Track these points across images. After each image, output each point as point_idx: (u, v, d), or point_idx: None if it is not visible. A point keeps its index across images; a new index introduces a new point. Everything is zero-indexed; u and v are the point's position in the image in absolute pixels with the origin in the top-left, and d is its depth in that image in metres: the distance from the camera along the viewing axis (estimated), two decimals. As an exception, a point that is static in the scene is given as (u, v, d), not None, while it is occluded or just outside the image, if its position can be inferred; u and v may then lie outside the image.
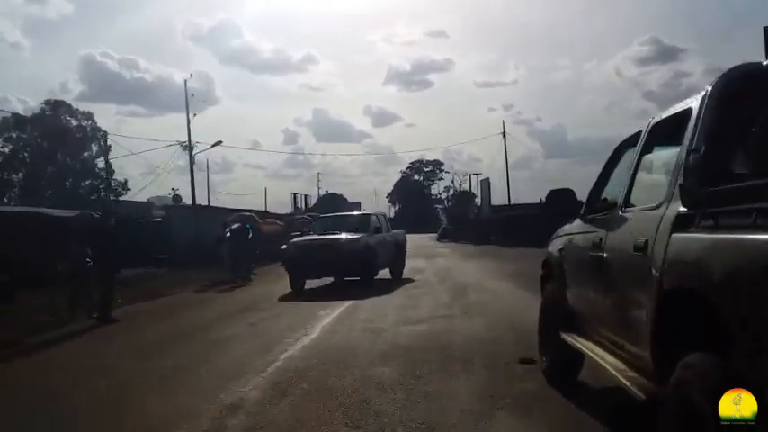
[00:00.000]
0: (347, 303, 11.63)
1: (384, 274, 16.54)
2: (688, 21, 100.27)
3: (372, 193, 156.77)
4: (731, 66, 2.91)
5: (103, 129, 55.94)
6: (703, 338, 2.36)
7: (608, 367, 3.45)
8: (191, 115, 30.53)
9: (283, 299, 13.55)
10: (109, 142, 56.47)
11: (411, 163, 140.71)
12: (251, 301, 13.15)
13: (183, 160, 30.91)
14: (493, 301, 11.56)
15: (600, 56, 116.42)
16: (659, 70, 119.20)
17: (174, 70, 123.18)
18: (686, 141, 2.85)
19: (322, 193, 79.96)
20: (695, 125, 2.79)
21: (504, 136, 45.81)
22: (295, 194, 52.22)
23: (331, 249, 14.76)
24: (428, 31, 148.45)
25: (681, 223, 2.67)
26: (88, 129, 55.53)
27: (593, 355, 3.91)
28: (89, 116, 56.55)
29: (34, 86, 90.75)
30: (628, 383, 3.04)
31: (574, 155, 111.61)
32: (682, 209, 2.71)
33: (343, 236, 15.18)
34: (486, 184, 48.61)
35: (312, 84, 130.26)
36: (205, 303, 13.75)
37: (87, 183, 54.60)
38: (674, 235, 2.68)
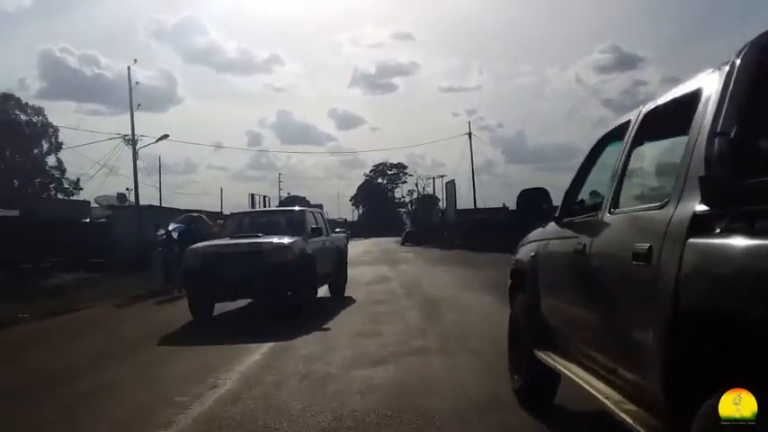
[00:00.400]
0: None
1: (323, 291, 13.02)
2: (647, 29, 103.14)
3: (336, 196, 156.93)
4: (685, 75, 2.53)
5: (56, 125, 54.04)
6: (738, 373, 1.89)
7: (599, 396, 2.91)
8: (135, 106, 28.64)
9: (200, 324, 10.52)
10: (61, 139, 54.83)
11: (375, 166, 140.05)
12: (166, 324, 10.26)
13: (143, 159, 29.46)
14: (477, 323, 9.02)
15: (561, 62, 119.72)
16: (618, 78, 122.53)
17: (137, 68, 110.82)
18: (704, 124, 2.31)
19: (283, 195, 78.66)
20: (718, 102, 2.24)
21: (470, 137, 45.76)
22: (253, 195, 50.53)
23: (248, 261, 10.33)
24: (394, 33, 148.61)
25: (699, 226, 2.15)
26: (38, 124, 53.28)
27: (576, 379, 3.38)
28: (39, 111, 54.14)
29: None
30: (629, 419, 2.49)
31: (534, 161, 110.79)
32: (700, 208, 2.19)
33: (268, 240, 10.78)
34: (451, 186, 47.81)
35: (276, 84, 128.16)
36: (117, 323, 11.81)
37: (37, 181, 52.34)
38: (690, 240, 2.16)
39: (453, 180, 47.73)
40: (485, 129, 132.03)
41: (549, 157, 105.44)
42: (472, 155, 44.38)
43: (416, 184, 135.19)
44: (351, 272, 15.05)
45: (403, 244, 53.08)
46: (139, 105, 27.74)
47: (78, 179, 53.29)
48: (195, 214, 21.18)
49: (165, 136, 27.61)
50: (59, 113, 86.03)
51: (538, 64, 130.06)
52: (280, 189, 75.38)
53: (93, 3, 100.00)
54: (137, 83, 28.13)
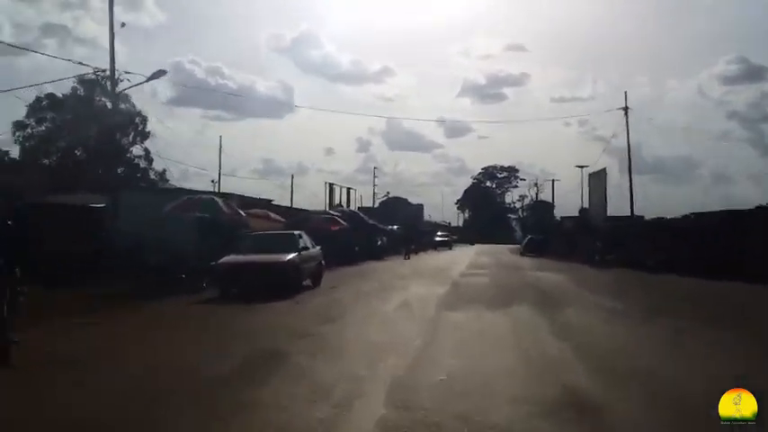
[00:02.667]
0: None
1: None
2: None
3: (440, 202, 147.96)
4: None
5: (144, 113, 50.06)
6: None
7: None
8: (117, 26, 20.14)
9: None
10: (149, 128, 50.85)
11: (483, 168, 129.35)
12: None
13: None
14: None
15: (682, 73, 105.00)
16: (747, 90, 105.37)
17: (257, 78, 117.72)
18: None
19: (378, 193, 71.17)
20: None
21: (627, 112, 34.44)
22: (331, 185, 42.43)
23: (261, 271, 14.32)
24: (507, 44, 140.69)
25: None
26: (125, 111, 49.71)
27: None
28: (126, 98, 50.55)
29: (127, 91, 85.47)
30: None
31: (650, 172, 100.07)
32: None
33: (273, 258, 14.65)
34: (600, 178, 34.94)
35: (387, 95, 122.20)
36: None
37: (121, 170, 48.69)
38: None
39: (605, 169, 35.07)
40: (599, 139, 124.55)
41: (666, 168, 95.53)
42: (629, 136, 33.27)
43: (534, 185, 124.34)
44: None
45: (523, 254, 42.90)
46: (123, 24, 19.63)
47: (165, 170, 49.00)
48: (206, 197, 14.49)
49: (161, 72, 19.27)
50: (186, 119, 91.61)
51: (657, 75, 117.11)
52: (374, 186, 67.84)
53: (218, 20, 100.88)
54: (122, 24, 19.98)
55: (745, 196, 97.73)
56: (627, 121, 33.90)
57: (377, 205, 72.88)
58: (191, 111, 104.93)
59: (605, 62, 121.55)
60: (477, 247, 72.84)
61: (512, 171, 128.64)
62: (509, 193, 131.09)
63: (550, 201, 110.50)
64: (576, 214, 45.41)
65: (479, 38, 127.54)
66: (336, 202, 43.48)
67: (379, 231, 36.82)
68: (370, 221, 37.85)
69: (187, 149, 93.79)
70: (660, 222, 28.13)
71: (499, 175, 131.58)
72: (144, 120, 50.60)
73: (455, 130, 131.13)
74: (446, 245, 60.01)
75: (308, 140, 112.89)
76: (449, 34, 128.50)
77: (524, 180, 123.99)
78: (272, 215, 23.17)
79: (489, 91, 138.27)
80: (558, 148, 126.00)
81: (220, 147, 37.20)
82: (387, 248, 45.03)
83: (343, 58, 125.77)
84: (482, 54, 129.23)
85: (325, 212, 29.44)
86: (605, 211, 33.40)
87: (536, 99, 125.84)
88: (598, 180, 34.81)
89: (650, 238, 26.18)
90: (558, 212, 67.90)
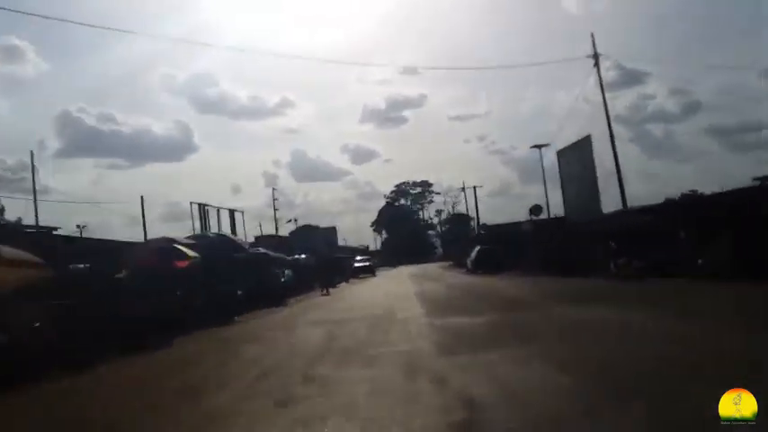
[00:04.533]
0: None
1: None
2: (647, 44, 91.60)
3: (356, 226, 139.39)
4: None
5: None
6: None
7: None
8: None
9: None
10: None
11: (396, 186, 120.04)
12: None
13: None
14: None
15: (566, 83, 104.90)
16: (625, 94, 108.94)
17: (152, 121, 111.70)
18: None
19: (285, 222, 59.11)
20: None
21: (597, 59, 24.90)
22: (203, 206, 28.56)
23: None
24: (400, 68, 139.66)
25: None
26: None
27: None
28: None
29: (11, 145, 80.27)
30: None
31: (551, 179, 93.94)
32: None
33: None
34: (581, 151, 24.59)
35: (289, 126, 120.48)
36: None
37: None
38: None
39: (589, 137, 23.65)
40: (497, 152, 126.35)
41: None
42: (603, 88, 23.73)
43: (445, 202, 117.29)
44: None
45: (473, 271, 32.33)
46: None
47: (2, 207, 35.28)
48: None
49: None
50: (78, 170, 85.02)
51: (542, 86, 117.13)
52: (275, 210, 55.35)
53: (105, 64, 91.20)
54: None
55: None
56: (599, 72, 24.55)
57: (287, 234, 61.02)
58: (83, 161, 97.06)
59: (494, 78, 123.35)
60: (403, 269, 62.02)
61: (425, 185, 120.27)
62: (425, 208, 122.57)
63: (466, 213, 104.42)
64: (529, 217, 35.78)
65: (373, 64, 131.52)
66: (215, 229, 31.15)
67: (274, 263, 24.93)
68: (261, 250, 25.99)
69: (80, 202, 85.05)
70: (706, 200, 18.40)
71: (412, 192, 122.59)
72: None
73: (361, 155, 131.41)
74: (368, 271, 48.59)
75: (213, 180, 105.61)
76: (342, 62, 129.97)
77: (438, 194, 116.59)
78: (16, 254, 10.56)
79: (390, 114, 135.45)
80: (460, 165, 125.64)
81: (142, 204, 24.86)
82: (292, 285, 33.19)
83: (241, 93, 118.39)
84: (378, 79, 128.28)
85: (165, 240, 17.18)
86: (597, 200, 23.07)
87: (435, 118, 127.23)
88: (578, 156, 24.43)
89: (694, 229, 16.31)
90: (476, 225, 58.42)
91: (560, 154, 26.49)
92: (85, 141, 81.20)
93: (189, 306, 16.15)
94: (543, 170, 31.84)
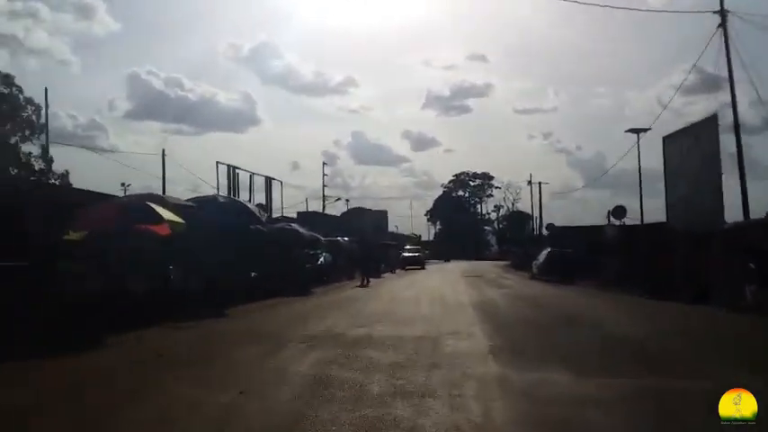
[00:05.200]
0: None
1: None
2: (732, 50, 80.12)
3: (409, 216, 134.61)
4: None
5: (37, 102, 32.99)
6: None
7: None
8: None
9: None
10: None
11: (455, 176, 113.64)
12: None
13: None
14: None
15: (640, 85, 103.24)
16: (705, 100, 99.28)
17: (217, 90, 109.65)
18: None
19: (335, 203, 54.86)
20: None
21: (725, 19, 18.68)
22: (233, 168, 24.13)
23: None
24: (469, 54, 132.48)
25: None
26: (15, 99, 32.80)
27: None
28: (9, 81, 33.60)
29: (82, 103, 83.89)
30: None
31: (613, 185, 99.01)
32: None
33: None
34: (702, 138, 18.17)
35: (351, 106, 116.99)
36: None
37: (14, 171, 31.73)
38: None
39: (715, 116, 17.28)
40: (562, 151, 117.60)
41: (628, 181, 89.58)
42: (729, 56, 17.78)
43: (504, 198, 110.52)
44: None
45: (537, 277, 26.90)
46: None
47: (67, 171, 33.45)
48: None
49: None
50: (145, 133, 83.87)
51: (616, 86, 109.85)
52: (324, 186, 50.99)
53: (175, 30, 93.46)
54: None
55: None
56: (726, 39, 18.49)
57: (339, 215, 57.03)
58: (150, 125, 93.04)
59: (565, 72, 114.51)
60: (456, 265, 56.75)
61: (485, 178, 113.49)
62: (483, 202, 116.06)
63: (531, 211, 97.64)
64: (608, 221, 29.93)
65: (441, 48, 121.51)
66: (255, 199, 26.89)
67: (301, 242, 20.40)
68: (292, 226, 21.56)
69: (147, 163, 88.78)
70: None
71: (472, 183, 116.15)
72: (37, 109, 33.99)
73: (421, 143, 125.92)
74: (417, 263, 43.67)
75: (273, 154, 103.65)
76: (410, 45, 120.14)
77: (499, 188, 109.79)
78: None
79: (453, 102, 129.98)
80: (523, 161, 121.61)
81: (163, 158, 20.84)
82: (328, 270, 28.80)
83: (305, 68, 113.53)
84: (445, 64, 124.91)
85: (139, 198, 12.72)
86: (720, 204, 16.90)
87: (500, 110, 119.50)
88: (696, 143, 18.01)
89: None
90: (538, 224, 52.18)
91: (669, 140, 20.36)
92: (153, 105, 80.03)
93: (162, 290, 11.83)
94: (639, 159, 25.75)
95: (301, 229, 21.77)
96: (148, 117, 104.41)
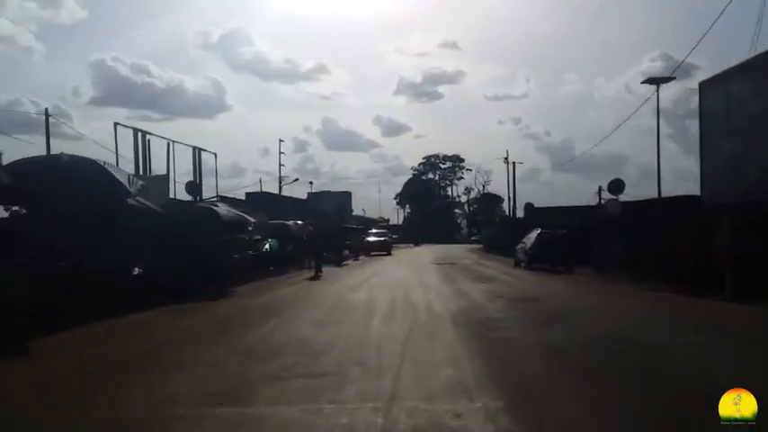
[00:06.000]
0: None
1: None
2: (699, 36, 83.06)
3: (378, 200, 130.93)
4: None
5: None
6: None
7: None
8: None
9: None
10: None
11: (425, 158, 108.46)
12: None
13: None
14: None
15: (609, 71, 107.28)
16: (670, 87, 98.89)
17: (185, 76, 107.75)
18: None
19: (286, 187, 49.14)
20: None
21: None
22: (144, 134, 19.11)
23: None
24: (441, 42, 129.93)
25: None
26: None
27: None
28: None
29: (46, 89, 78.33)
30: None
31: (580, 170, 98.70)
32: None
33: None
34: (756, 71, 11.98)
35: (323, 93, 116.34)
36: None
37: None
38: None
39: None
40: (531, 137, 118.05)
41: (595, 165, 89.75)
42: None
43: (475, 179, 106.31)
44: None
45: (528, 266, 21.77)
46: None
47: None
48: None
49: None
50: (111, 119, 71.89)
51: (585, 73, 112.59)
52: (281, 166, 45.14)
53: (142, 16, 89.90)
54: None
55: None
56: None
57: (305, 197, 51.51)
58: (116, 111, 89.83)
59: (536, 59, 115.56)
60: (426, 249, 51.85)
61: (456, 160, 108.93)
62: (454, 185, 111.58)
63: (499, 194, 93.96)
64: (599, 199, 25.40)
65: (413, 35, 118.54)
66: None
67: (217, 225, 14.69)
68: (208, 206, 16.08)
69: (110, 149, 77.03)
70: None
71: (442, 166, 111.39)
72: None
73: (392, 128, 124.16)
74: (383, 248, 38.51)
75: (243, 140, 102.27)
76: (382, 32, 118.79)
77: (470, 170, 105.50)
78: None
79: (425, 89, 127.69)
80: (493, 146, 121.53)
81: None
82: (275, 259, 23.49)
83: (276, 56, 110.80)
84: (417, 51, 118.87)
85: None
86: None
87: (471, 96, 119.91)
88: (747, 89, 12.79)
89: None
90: (512, 206, 47.38)
91: (707, 86, 15.37)
92: (119, 91, 76.42)
93: None
94: (658, 114, 20.85)
95: (224, 210, 16.31)
96: (115, 104, 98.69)
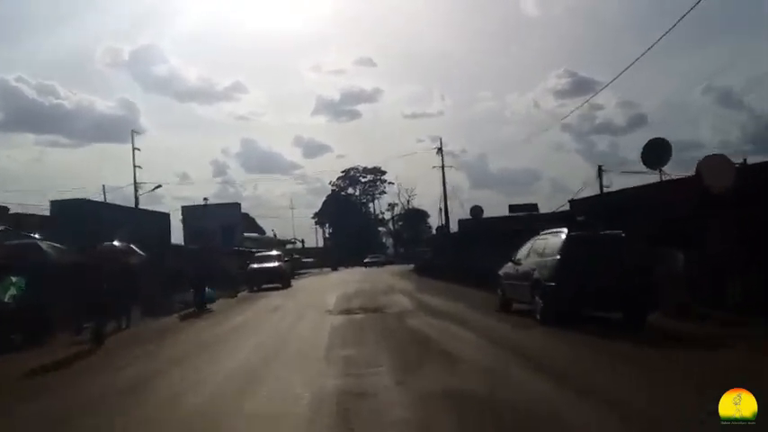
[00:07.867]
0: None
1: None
2: (601, 54, 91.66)
3: (299, 223, 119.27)
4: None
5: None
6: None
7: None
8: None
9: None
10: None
11: (344, 171, 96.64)
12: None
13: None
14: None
15: (520, 89, 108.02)
16: (576, 102, 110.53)
17: (96, 98, 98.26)
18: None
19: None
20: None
21: None
22: None
23: None
24: (356, 59, 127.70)
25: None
26: None
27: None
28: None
29: None
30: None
31: (497, 185, 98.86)
32: None
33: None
34: None
35: (240, 112, 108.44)
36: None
37: None
38: None
39: None
40: (448, 154, 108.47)
41: (510, 180, 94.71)
42: None
43: (399, 194, 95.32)
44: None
45: (555, 319, 9.76)
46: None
47: None
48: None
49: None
50: (18, 146, 75.90)
51: (497, 90, 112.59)
52: (137, 166, 31.67)
53: (48, 33, 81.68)
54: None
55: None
56: None
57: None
58: (23, 137, 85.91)
59: (450, 77, 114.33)
60: (344, 274, 39.25)
61: (377, 173, 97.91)
62: (377, 199, 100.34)
63: (424, 210, 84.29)
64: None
65: (329, 52, 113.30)
66: None
67: None
68: None
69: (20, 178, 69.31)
70: None
71: (363, 179, 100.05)
72: None
73: (313, 149, 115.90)
74: (276, 278, 25.39)
75: (160, 165, 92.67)
76: (297, 48, 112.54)
77: (392, 183, 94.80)
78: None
79: (343, 107, 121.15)
80: (414, 164, 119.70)
81: None
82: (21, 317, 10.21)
83: (190, 73, 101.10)
84: (333, 69, 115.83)
85: None
86: None
87: (389, 115, 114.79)
88: None
89: None
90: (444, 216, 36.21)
91: None
92: (25, 114, 69.12)
93: None
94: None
95: None
96: (20, 129, 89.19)
